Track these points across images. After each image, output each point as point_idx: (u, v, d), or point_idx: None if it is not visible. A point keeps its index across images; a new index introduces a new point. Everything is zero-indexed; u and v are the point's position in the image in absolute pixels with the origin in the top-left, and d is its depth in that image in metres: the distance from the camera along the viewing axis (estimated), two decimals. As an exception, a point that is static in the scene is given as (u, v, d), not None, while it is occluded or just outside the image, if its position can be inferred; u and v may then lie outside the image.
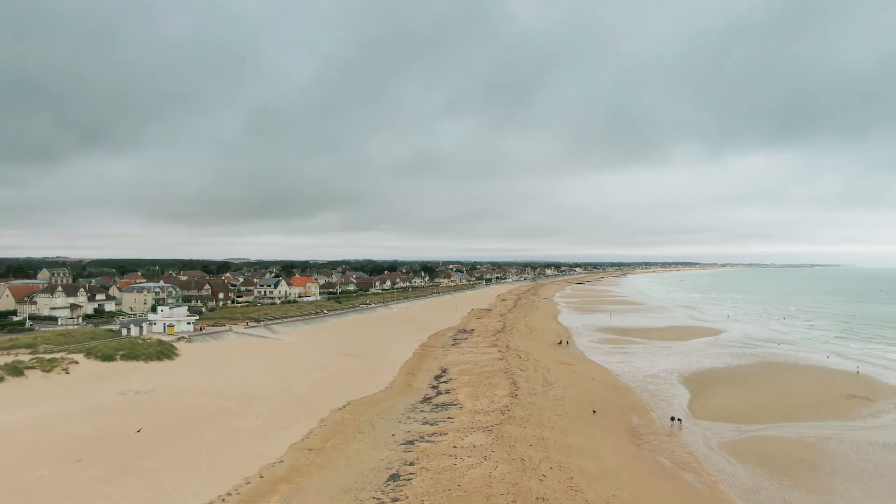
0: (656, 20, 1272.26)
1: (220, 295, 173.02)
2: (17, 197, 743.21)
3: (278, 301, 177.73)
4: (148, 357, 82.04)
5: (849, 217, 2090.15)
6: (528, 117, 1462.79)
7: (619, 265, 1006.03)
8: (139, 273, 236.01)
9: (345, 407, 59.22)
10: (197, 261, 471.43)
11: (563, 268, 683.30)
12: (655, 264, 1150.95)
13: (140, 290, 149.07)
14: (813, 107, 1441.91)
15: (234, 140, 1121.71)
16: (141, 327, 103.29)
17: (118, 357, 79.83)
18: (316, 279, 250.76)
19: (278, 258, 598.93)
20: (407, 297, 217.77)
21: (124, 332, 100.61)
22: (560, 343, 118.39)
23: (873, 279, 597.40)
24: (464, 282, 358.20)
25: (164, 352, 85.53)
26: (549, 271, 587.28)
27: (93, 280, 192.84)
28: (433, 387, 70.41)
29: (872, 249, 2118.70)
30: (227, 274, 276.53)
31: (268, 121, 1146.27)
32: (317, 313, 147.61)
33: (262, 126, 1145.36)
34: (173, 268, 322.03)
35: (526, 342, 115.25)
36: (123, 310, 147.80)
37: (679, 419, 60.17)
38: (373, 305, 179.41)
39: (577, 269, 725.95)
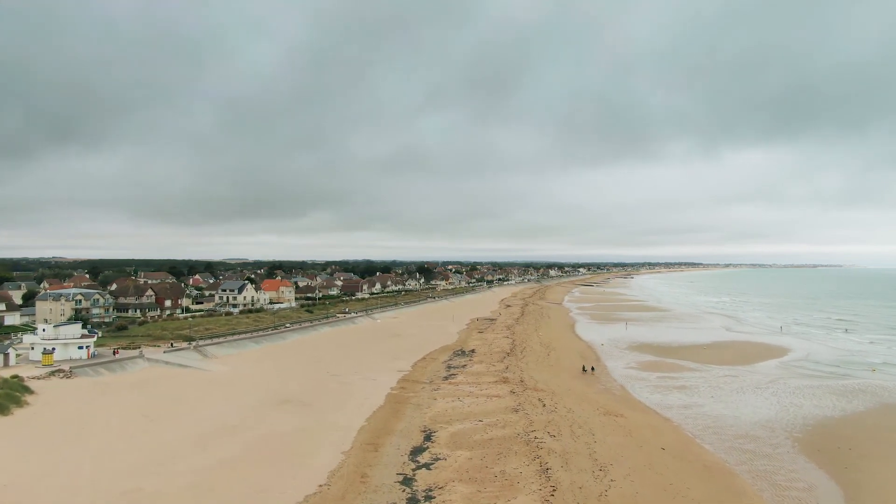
0: (645, 3, 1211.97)
1: (168, 303, 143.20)
2: (8, 196, 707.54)
3: (237, 309, 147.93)
4: (-36, 412, 52.23)
5: (849, 216, 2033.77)
6: (515, 111, 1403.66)
7: (623, 265, 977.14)
8: (87, 276, 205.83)
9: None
10: (187, 261, 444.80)
11: (566, 268, 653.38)
12: (659, 265, 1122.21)
13: (56, 297, 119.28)
14: (812, 98, 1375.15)
15: (212, 135, 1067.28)
16: (6, 355, 73.45)
17: None
18: (293, 282, 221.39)
19: (278, 258, 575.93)
20: (396, 304, 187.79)
21: (-23, 362, 70.88)
22: (586, 371, 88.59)
23: (885, 280, 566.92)
24: (463, 284, 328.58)
25: (-1, 401, 55.67)
26: (552, 272, 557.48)
27: (22, 284, 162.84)
28: (405, 480, 40.61)
29: (873, 249, 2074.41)
30: (197, 276, 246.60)
31: (243, 114, 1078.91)
32: (276, 327, 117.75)
33: (237, 119, 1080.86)
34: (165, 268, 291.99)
35: (545, 371, 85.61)
36: (37, 322, 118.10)
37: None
38: (352, 315, 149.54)
39: (581, 269, 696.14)
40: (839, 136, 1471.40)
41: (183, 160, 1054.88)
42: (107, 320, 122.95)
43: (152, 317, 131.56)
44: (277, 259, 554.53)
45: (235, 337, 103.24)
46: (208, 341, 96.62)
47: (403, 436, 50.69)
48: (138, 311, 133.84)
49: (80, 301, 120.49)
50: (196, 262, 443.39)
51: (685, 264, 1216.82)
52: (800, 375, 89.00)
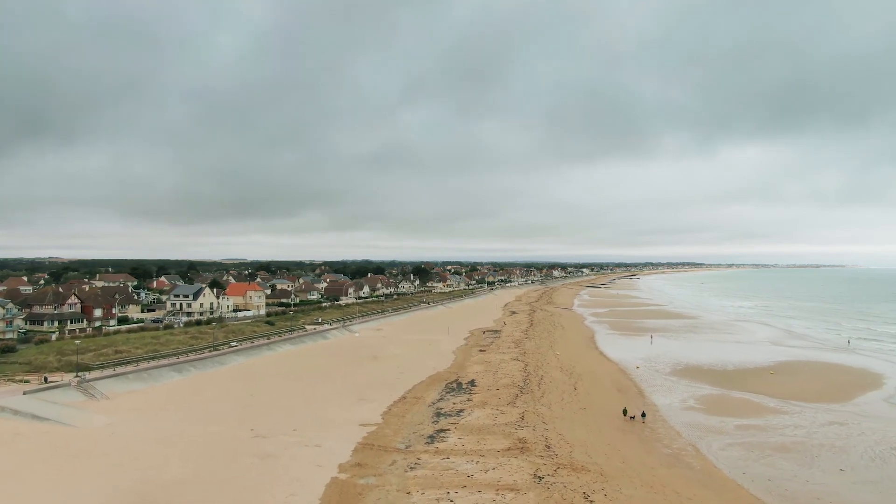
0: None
1: (99, 312, 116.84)
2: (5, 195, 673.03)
3: (185, 320, 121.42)
4: None
5: (849, 215, 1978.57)
6: (502, 105, 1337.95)
7: (626, 266, 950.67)
8: (24, 278, 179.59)
9: None
10: (179, 261, 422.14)
11: (569, 269, 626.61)
12: (662, 265, 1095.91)
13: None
14: (810, 92, 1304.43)
15: (190, 130, 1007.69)
16: None
17: None
18: (269, 286, 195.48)
19: (276, 259, 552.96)
20: (383, 311, 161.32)
21: None
22: (633, 417, 61.89)
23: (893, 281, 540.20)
24: (462, 286, 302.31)
25: None
26: (556, 273, 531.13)
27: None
28: None
29: (874, 249, 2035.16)
30: (162, 278, 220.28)
31: (218, 107, 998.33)
32: (216, 347, 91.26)
33: (213, 112, 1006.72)
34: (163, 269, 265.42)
35: (576, 419, 59.38)
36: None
37: None
38: (325, 327, 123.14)
39: (584, 269, 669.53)
40: (838, 132, 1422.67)
41: (164, 157, 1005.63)
42: (9, 335, 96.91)
43: (72, 330, 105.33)
44: (275, 259, 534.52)
45: (154, 363, 76.86)
46: (110, 371, 70.35)
47: None
48: (56, 323, 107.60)
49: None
50: (182, 261, 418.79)
51: (688, 264, 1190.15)
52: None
